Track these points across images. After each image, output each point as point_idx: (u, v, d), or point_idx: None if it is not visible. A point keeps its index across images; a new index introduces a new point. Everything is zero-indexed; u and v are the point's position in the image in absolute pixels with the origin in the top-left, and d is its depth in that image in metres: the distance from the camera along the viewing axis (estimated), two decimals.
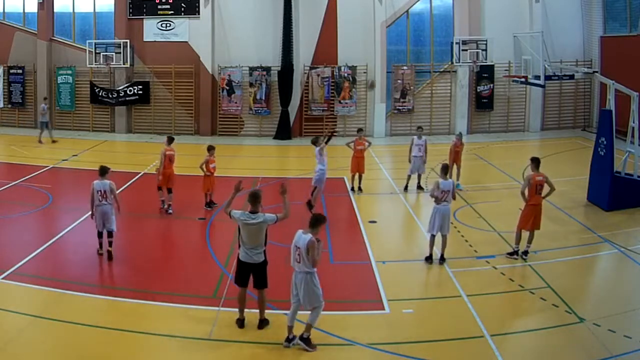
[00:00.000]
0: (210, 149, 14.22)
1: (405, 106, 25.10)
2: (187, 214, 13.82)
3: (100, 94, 25.48)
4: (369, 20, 24.62)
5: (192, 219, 13.55)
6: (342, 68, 24.59)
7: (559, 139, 23.85)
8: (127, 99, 25.39)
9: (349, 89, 24.65)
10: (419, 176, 16.14)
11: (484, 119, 25.61)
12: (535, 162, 11.15)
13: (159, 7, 25.35)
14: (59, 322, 8.30)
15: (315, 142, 13.88)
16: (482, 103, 25.26)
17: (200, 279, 10.14)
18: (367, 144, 16.02)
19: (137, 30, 25.50)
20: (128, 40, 24.72)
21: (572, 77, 19.86)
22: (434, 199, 10.70)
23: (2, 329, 8.04)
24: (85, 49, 24.70)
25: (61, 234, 12.24)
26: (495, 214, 13.65)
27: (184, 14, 25.24)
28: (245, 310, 8.32)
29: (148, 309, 8.90)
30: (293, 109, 24.71)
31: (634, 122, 14.11)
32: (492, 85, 25.03)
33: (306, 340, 7.67)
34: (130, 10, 25.47)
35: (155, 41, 25.46)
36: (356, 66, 24.61)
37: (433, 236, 10.78)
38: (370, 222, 13.35)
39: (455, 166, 16.04)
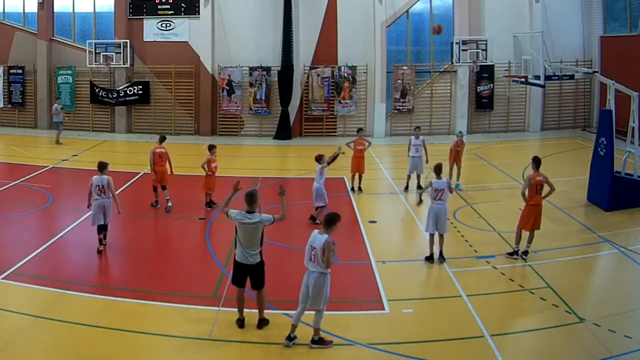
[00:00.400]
0: (212, 148, 14.17)
1: (405, 106, 25.10)
2: (187, 214, 13.81)
3: (100, 94, 25.49)
4: (369, 20, 24.62)
5: (192, 219, 13.54)
6: (342, 68, 24.60)
7: (559, 139, 23.85)
8: (127, 99, 25.40)
9: (349, 89, 24.65)
10: (419, 176, 16.13)
11: (484, 119, 25.61)
12: (536, 162, 11.15)
13: (159, 7, 25.36)
14: (59, 322, 8.29)
15: (318, 160, 12.99)
16: (482, 103, 25.27)
17: (200, 279, 10.13)
18: (367, 144, 16.01)
19: (137, 30, 25.52)
20: (128, 40, 24.74)
21: (572, 77, 19.87)
22: (421, 195, 10.73)
23: (2, 329, 8.04)
24: (85, 49, 24.72)
25: (61, 234, 12.23)
26: (495, 214, 13.65)
27: (184, 14, 25.25)
28: (245, 310, 8.31)
29: (148, 309, 8.89)
30: (293, 109, 24.71)
31: (634, 122, 14.11)
32: (492, 85, 25.04)
33: (318, 341, 7.71)
34: (130, 10, 25.49)
35: (155, 41, 25.48)
36: (356, 66, 24.62)
37: (432, 235, 10.83)
38: (370, 222, 13.34)
39: (455, 166, 16.06)
